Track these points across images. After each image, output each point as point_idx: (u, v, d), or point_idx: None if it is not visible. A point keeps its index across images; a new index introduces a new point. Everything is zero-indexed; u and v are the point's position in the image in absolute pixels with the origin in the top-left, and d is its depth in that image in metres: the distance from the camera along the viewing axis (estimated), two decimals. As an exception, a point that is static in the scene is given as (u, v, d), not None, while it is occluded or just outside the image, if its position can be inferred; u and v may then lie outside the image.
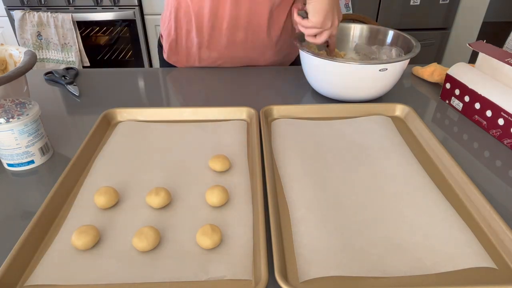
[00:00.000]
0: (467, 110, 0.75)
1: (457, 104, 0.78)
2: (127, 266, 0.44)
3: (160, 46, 1.05)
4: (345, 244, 0.46)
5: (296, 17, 0.77)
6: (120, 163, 0.60)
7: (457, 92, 0.78)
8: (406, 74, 0.95)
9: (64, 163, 0.62)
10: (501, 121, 0.67)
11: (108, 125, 0.71)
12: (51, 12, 1.96)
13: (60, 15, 1.95)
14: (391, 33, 0.87)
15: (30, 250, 0.45)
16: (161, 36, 1.02)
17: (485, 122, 0.71)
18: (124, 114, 0.72)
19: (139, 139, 0.66)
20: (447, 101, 0.81)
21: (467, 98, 0.75)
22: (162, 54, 1.04)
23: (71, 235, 0.47)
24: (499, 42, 0.98)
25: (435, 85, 0.90)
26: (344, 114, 0.75)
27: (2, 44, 0.74)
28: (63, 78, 0.89)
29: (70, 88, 0.86)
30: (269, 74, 0.95)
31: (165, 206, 0.52)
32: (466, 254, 0.45)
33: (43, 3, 1.96)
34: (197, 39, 0.93)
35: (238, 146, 0.64)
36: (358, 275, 0.43)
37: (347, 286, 0.42)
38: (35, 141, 0.60)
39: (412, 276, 0.43)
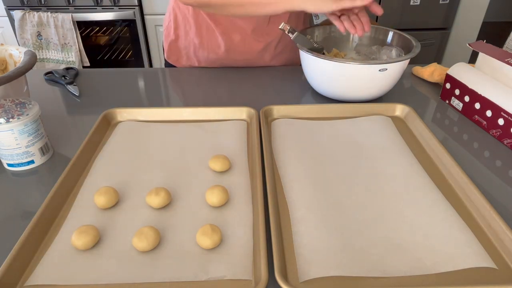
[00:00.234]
0: (467, 110, 0.75)
1: (457, 104, 0.78)
2: (127, 266, 0.44)
3: None
4: (345, 244, 0.46)
5: None
6: (120, 163, 0.60)
7: (457, 92, 0.78)
8: (406, 74, 0.94)
9: (64, 163, 0.62)
10: (501, 121, 0.67)
11: (108, 125, 0.71)
12: (51, 12, 1.96)
13: (60, 15, 1.95)
14: (391, 33, 0.87)
15: (30, 250, 0.45)
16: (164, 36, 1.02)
17: (485, 122, 0.71)
18: (124, 114, 0.72)
19: (139, 139, 0.66)
20: (447, 101, 0.81)
21: (467, 98, 0.75)
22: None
23: (71, 235, 0.47)
24: (499, 42, 0.98)
25: (435, 85, 0.90)
26: (344, 114, 0.75)
27: (2, 44, 0.74)
28: (63, 78, 0.89)
29: (70, 88, 0.86)
30: (269, 74, 0.95)
31: (165, 206, 0.52)
32: (466, 254, 0.45)
33: (43, 3, 1.96)
34: (195, 40, 0.93)
35: (238, 146, 0.64)
36: (358, 275, 0.43)
37: (347, 286, 0.42)
38: (35, 141, 0.60)
39: (412, 276, 0.43)
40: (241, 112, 0.73)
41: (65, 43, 2.03)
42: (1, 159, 0.61)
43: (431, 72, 0.89)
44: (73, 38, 2.01)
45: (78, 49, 2.04)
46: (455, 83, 0.78)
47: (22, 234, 0.45)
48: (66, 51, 2.06)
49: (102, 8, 1.99)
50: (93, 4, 1.97)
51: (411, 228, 0.49)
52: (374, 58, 0.86)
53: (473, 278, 0.43)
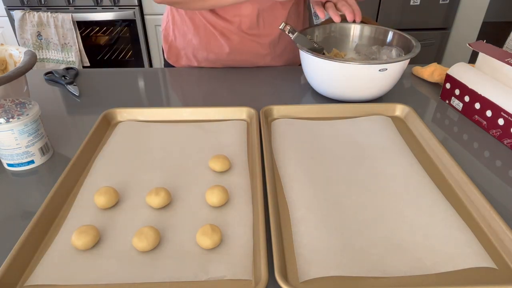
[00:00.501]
0: (467, 110, 0.75)
1: (457, 104, 0.78)
2: (127, 266, 0.44)
3: None
4: (345, 244, 0.46)
5: None
6: (120, 163, 0.60)
7: (457, 92, 0.78)
8: (406, 74, 0.94)
9: (64, 163, 0.62)
10: (501, 121, 0.67)
11: (108, 125, 0.71)
12: (51, 12, 1.96)
13: (60, 15, 1.95)
14: (391, 33, 0.87)
15: (30, 250, 0.45)
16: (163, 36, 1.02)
17: (485, 122, 0.71)
18: (124, 114, 0.72)
19: (139, 139, 0.66)
20: (447, 101, 0.81)
21: (467, 98, 0.75)
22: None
23: (71, 235, 0.47)
24: (499, 42, 0.98)
25: (435, 85, 0.90)
26: (344, 114, 0.75)
27: (2, 44, 0.74)
28: (63, 78, 0.89)
29: (70, 88, 0.86)
30: (269, 74, 0.95)
31: (165, 206, 0.52)
32: (466, 254, 0.45)
33: (43, 3, 1.96)
34: (194, 41, 0.93)
35: (238, 146, 0.64)
36: (358, 275, 0.43)
37: (347, 286, 0.42)
38: (35, 141, 0.60)
39: (412, 276, 0.43)
40: (241, 112, 0.73)
41: (65, 43, 2.03)
42: (1, 159, 0.61)
43: (431, 72, 0.89)
44: (73, 38, 2.01)
45: (78, 49, 2.04)
46: (455, 83, 0.78)
47: (22, 234, 0.45)
48: (66, 51, 2.06)
49: (102, 8, 1.99)
50: (93, 4, 1.97)
51: (411, 228, 0.49)
52: (374, 58, 0.86)
53: (473, 278, 0.43)
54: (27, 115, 0.57)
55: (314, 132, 0.68)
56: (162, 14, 1.01)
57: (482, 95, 0.71)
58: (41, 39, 2.03)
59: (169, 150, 0.64)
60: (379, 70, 0.72)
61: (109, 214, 0.51)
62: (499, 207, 0.54)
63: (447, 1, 2.03)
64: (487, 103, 0.70)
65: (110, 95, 0.85)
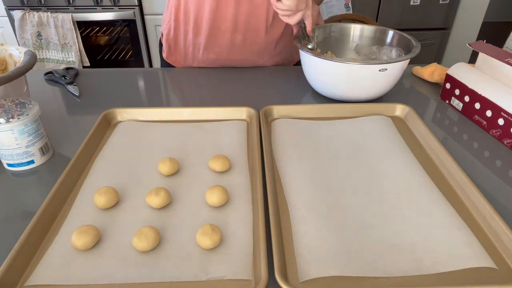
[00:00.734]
0: (467, 110, 0.75)
1: (457, 104, 0.78)
2: (127, 266, 0.44)
3: (161, 45, 1.05)
4: (345, 244, 0.46)
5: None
6: (120, 163, 0.60)
7: (457, 92, 0.78)
8: (406, 74, 0.94)
9: (64, 163, 0.62)
10: (501, 121, 0.67)
11: (108, 125, 0.71)
12: (51, 12, 1.96)
13: (60, 15, 1.95)
14: (391, 33, 0.87)
15: (30, 250, 0.45)
16: (162, 35, 1.02)
17: (485, 122, 0.71)
18: (124, 114, 0.72)
19: (139, 139, 0.66)
20: (447, 101, 0.81)
21: (467, 98, 0.75)
22: (162, 53, 1.05)
23: (71, 235, 0.47)
24: (499, 42, 0.98)
25: (435, 85, 0.90)
26: (344, 114, 0.75)
27: (2, 44, 0.74)
28: (63, 78, 0.89)
29: (70, 88, 0.86)
30: (269, 74, 0.95)
31: (165, 206, 0.52)
32: (466, 254, 0.45)
33: (43, 3, 1.96)
34: (195, 40, 0.93)
35: (238, 146, 0.64)
36: (358, 275, 0.43)
37: (347, 286, 0.42)
38: (35, 141, 0.60)
39: (412, 276, 0.43)
40: (241, 112, 0.73)
41: (65, 43, 2.03)
42: (1, 159, 0.61)
43: (431, 72, 0.89)
44: (73, 38, 2.01)
45: (78, 49, 2.04)
46: (455, 83, 0.78)
47: (22, 234, 0.45)
48: (66, 51, 2.06)
49: (102, 8, 1.99)
50: (93, 4, 1.97)
51: (411, 228, 0.49)
52: (374, 58, 0.86)
53: (473, 278, 0.43)
54: (27, 115, 0.57)
55: (314, 132, 0.68)
56: (162, 14, 1.01)
57: (482, 95, 0.71)
58: (41, 39, 2.03)
59: (169, 150, 0.64)
60: (379, 70, 0.72)
61: (109, 214, 0.51)
62: (499, 207, 0.54)
63: (447, 1, 2.03)
64: (487, 103, 0.70)
65: (110, 95, 0.85)
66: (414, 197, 0.53)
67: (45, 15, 1.95)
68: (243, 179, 0.57)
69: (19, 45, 2.02)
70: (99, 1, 1.96)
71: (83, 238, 0.45)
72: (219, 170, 0.58)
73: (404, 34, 0.84)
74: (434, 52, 2.21)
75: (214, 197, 0.51)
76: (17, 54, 0.72)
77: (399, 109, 0.75)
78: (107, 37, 2.18)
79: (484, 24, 2.20)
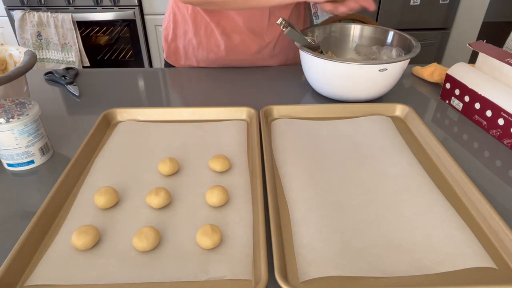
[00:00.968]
0: (467, 110, 0.75)
1: (457, 104, 0.78)
2: (127, 266, 0.44)
3: None
4: (345, 244, 0.46)
5: None
6: (120, 163, 0.60)
7: (457, 92, 0.78)
8: (406, 74, 0.94)
9: (64, 163, 0.62)
10: (501, 121, 0.67)
11: (108, 125, 0.71)
12: (51, 12, 1.96)
13: (60, 15, 1.95)
14: (391, 33, 0.87)
15: (30, 250, 0.45)
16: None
17: (485, 122, 0.71)
18: (124, 114, 0.72)
19: (139, 139, 0.66)
20: (447, 101, 0.81)
21: (467, 98, 0.75)
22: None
23: (71, 235, 0.47)
24: (499, 42, 0.98)
25: (435, 85, 0.90)
26: (344, 114, 0.75)
27: (2, 44, 0.74)
28: (63, 78, 0.89)
29: (70, 88, 0.86)
30: (269, 74, 0.95)
31: (165, 206, 0.52)
32: (466, 254, 0.45)
33: (43, 3, 1.96)
34: (194, 40, 0.93)
35: (238, 146, 0.64)
36: (358, 275, 0.43)
37: (347, 286, 0.42)
38: (35, 141, 0.60)
39: (412, 276, 0.43)
40: (241, 112, 0.73)
41: (65, 43, 2.03)
42: (1, 159, 0.61)
43: (431, 72, 0.89)
44: (73, 38, 2.01)
45: (78, 49, 2.04)
46: (455, 83, 0.78)
47: (22, 234, 0.45)
48: (66, 51, 2.06)
49: (102, 8, 1.99)
50: (93, 4, 1.97)
51: (411, 228, 0.49)
52: (374, 58, 0.86)
53: (473, 278, 0.43)
54: (27, 115, 0.57)
55: (314, 132, 0.68)
56: (162, 14, 1.01)
57: (482, 95, 0.71)
58: (41, 39, 2.03)
59: (169, 150, 0.64)
60: (379, 70, 0.72)
61: (109, 214, 0.51)
62: (499, 207, 0.54)
63: (447, 1, 2.03)
64: (487, 103, 0.70)
65: (110, 95, 0.85)
66: (414, 197, 0.53)
67: (45, 15, 1.95)
68: (243, 179, 0.57)
69: (19, 45, 2.02)
70: (99, 1, 1.96)
71: (83, 238, 0.45)
72: (219, 170, 0.58)
73: (404, 34, 0.84)
74: (434, 52, 2.21)
75: (214, 197, 0.51)
76: (17, 54, 0.72)
77: (399, 109, 0.75)
78: (107, 37, 2.18)
79: (484, 24, 2.20)
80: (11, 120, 0.56)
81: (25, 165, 0.61)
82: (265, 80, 0.92)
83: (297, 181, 0.56)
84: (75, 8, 1.99)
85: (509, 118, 0.65)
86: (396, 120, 0.74)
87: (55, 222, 0.50)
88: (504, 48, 0.93)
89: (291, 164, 0.60)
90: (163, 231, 0.48)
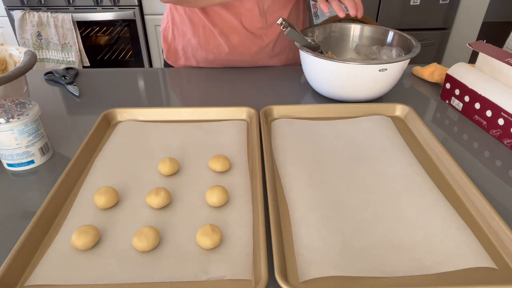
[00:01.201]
0: (467, 110, 0.75)
1: (457, 104, 0.78)
2: (127, 266, 0.44)
3: None
4: (345, 244, 0.46)
5: None
6: (120, 163, 0.60)
7: (457, 92, 0.78)
8: (406, 74, 0.94)
9: (64, 163, 0.62)
10: (501, 121, 0.67)
11: (108, 125, 0.71)
12: (51, 12, 1.96)
13: (60, 15, 1.95)
14: (391, 33, 0.87)
15: (30, 250, 0.45)
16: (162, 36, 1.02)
17: (485, 122, 0.71)
18: (124, 114, 0.72)
19: (139, 139, 0.66)
20: (447, 101, 0.81)
21: (467, 98, 0.75)
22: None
23: (71, 235, 0.47)
24: (499, 42, 0.98)
25: (435, 85, 0.90)
26: (344, 114, 0.75)
27: (2, 44, 0.74)
28: (63, 78, 0.89)
29: (70, 88, 0.86)
30: (269, 74, 0.95)
31: (165, 206, 0.52)
32: (466, 254, 0.45)
33: (43, 3, 1.96)
34: (193, 41, 0.93)
35: (238, 146, 0.64)
36: (358, 275, 0.43)
37: (347, 286, 0.42)
38: (35, 141, 0.60)
39: (412, 276, 0.43)
40: (241, 112, 0.73)
41: (65, 43, 2.03)
42: (1, 159, 0.61)
43: (431, 72, 0.89)
44: (73, 38, 2.01)
45: (78, 49, 2.04)
46: (455, 83, 0.78)
47: (22, 234, 0.45)
48: (66, 51, 2.05)
49: (102, 8, 1.99)
50: (93, 4, 1.97)
51: (411, 228, 0.49)
52: (374, 58, 0.86)
53: (473, 278, 0.43)
54: (27, 115, 0.57)
55: (314, 132, 0.68)
56: (162, 14, 1.01)
57: (482, 95, 0.71)
58: (41, 39, 2.03)
59: (169, 150, 0.64)
60: (379, 70, 0.72)
61: (109, 214, 0.51)
62: (499, 207, 0.54)
63: (447, 1, 2.03)
64: (487, 103, 0.70)
65: (110, 95, 0.85)
66: (414, 197, 0.53)
67: (45, 15, 1.95)
68: (243, 179, 0.57)
69: (19, 45, 2.02)
70: (99, 1, 1.96)
71: (83, 238, 0.45)
72: (219, 170, 0.58)
73: (404, 34, 0.84)
74: (434, 52, 2.21)
75: (214, 197, 0.51)
76: (17, 54, 0.72)
77: (399, 109, 0.75)
78: (107, 37, 2.18)
79: (484, 24, 2.20)
80: (11, 120, 0.56)
81: (25, 165, 0.61)
82: (265, 80, 0.92)
83: (297, 181, 0.56)
84: (75, 8, 1.98)
85: (509, 118, 0.65)
86: (396, 120, 0.74)
87: (55, 222, 0.50)
88: (504, 48, 0.93)
89: (291, 164, 0.60)
90: (163, 231, 0.48)
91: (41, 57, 2.09)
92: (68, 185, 0.55)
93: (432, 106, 0.81)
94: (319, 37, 0.90)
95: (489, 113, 0.70)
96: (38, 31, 2.00)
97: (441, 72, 0.87)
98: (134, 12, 2.00)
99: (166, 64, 1.03)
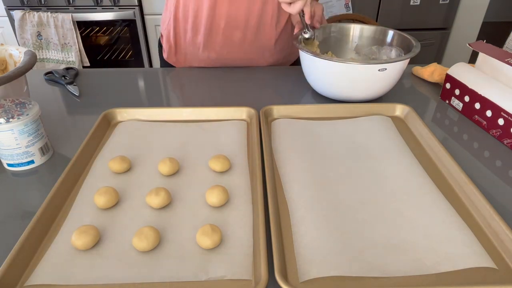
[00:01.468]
0: (467, 110, 0.75)
1: (457, 104, 0.78)
2: (127, 266, 0.44)
3: (160, 46, 1.05)
4: (345, 244, 0.46)
5: None
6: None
7: (457, 92, 0.78)
8: (406, 74, 0.94)
9: (64, 163, 0.62)
10: (501, 121, 0.67)
11: (108, 125, 0.71)
12: (51, 12, 1.96)
13: (60, 15, 1.95)
14: (391, 33, 0.87)
15: (30, 250, 0.45)
16: (162, 36, 1.02)
17: (485, 122, 0.71)
18: (124, 114, 0.72)
19: (139, 139, 0.66)
20: (447, 101, 0.81)
21: (467, 98, 0.75)
22: (162, 54, 1.05)
23: (71, 235, 0.47)
24: (499, 42, 0.98)
25: (435, 85, 0.90)
26: (344, 114, 0.75)
27: (2, 44, 0.74)
28: (63, 78, 0.89)
29: (70, 88, 0.86)
30: (269, 74, 0.95)
31: (165, 206, 0.52)
32: (466, 254, 0.45)
33: (43, 3, 1.96)
34: (195, 39, 0.93)
35: (238, 146, 0.64)
36: (358, 275, 0.43)
37: (347, 286, 0.42)
38: (35, 141, 0.60)
39: (412, 276, 0.43)
40: (241, 112, 0.73)
41: (65, 43, 2.03)
42: (1, 159, 0.61)
43: (431, 72, 0.89)
44: (73, 38, 2.01)
45: (78, 49, 2.04)
46: (455, 83, 0.78)
47: (22, 234, 0.45)
48: (66, 51, 2.06)
49: (102, 8, 1.99)
50: (93, 4, 1.97)
51: (411, 228, 0.49)
52: (374, 58, 0.86)
53: (473, 278, 0.43)
54: (27, 115, 0.57)
55: (314, 132, 0.68)
56: (162, 14, 1.01)
57: (482, 95, 0.71)
58: (41, 39, 2.03)
59: (169, 150, 0.64)
60: (379, 70, 0.72)
61: (109, 214, 0.51)
62: (499, 207, 0.54)
63: (447, 1, 2.03)
64: (487, 103, 0.70)
65: (110, 95, 0.85)
66: (414, 197, 0.53)
67: (45, 15, 1.95)
68: (243, 179, 0.57)
69: (19, 45, 2.02)
70: (99, 1, 1.96)
71: (83, 238, 0.45)
72: (219, 170, 0.58)
73: (404, 34, 0.84)
74: (434, 52, 2.21)
75: (214, 197, 0.51)
76: (17, 54, 0.72)
77: (399, 109, 0.75)
78: (107, 37, 2.18)
79: (484, 24, 2.20)
80: (11, 120, 0.56)
81: (25, 165, 0.61)
82: (265, 80, 0.92)
83: (297, 181, 0.56)
84: (75, 8, 1.99)
85: (509, 118, 0.65)
86: (396, 120, 0.74)
87: (55, 222, 0.50)
88: (504, 48, 0.93)
89: (291, 164, 0.60)
90: (163, 231, 0.48)
91: (41, 57, 2.09)
92: (68, 185, 0.55)
93: (432, 106, 0.81)
94: (319, 37, 0.90)
95: (489, 113, 0.70)
96: (38, 31, 2.00)
97: (441, 72, 0.87)
98: (134, 12, 2.00)
99: (165, 64, 1.03)
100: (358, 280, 0.42)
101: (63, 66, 1.92)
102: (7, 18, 2.03)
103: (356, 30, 0.91)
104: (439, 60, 2.24)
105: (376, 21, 2.08)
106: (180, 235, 0.48)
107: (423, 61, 1.01)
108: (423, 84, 0.90)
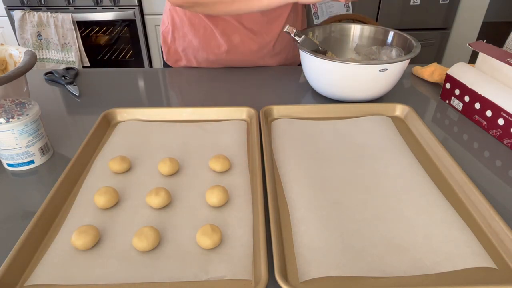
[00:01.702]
0: (467, 110, 0.75)
1: (457, 104, 0.78)
2: (127, 266, 0.44)
3: None
4: (345, 244, 0.46)
5: None
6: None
7: (457, 92, 0.78)
8: (406, 74, 0.94)
9: (64, 163, 0.62)
10: (501, 121, 0.67)
11: (108, 125, 0.71)
12: (51, 12, 1.96)
13: (60, 15, 1.95)
14: (391, 33, 0.87)
15: (30, 250, 0.45)
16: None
17: (485, 122, 0.71)
18: (124, 114, 0.72)
19: (139, 139, 0.66)
20: (447, 101, 0.81)
21: (467, 98, 0.75)
22: (163, 56, 1.05)
23: (71, 235, 0.47)
24: (499, 42, 0.98)
25: (435, 85, 0.90)
26: (344, 114, 0.75)
27: (2, 44, 0.74)
28: (63, 78, 0.89)
29: (70, 88, 0.86)
30: (269, 74, 0.95)
31: (165, 206, 0.52)
32: (466, 254, 0.45)
33: (43, 3, 1.96)
34: (194, 42, 0.93)
35: (238, 146, 0.64)
36: (358, 275, 0.43)
37: (347, 286, 0.42)
38: (35, 141, 0.60)
39: (412, 276, 0.43)
40: (241, 112, 0.73)
41: (65, 43, 2.03)
42: (1, 159, 0.61)
43: (431, 72, 0.89)
44: (73, 38, 2.01)
45: (78, 49, 2.04)
46: (455, 83, 0.78)
47: (22, 234, 0.45)
48: (66, 51, 2.05)
49: (102, 8, 1.99)
50: (93, 4, 1.97)
51: (411, 228, 0.49)
52: (374, 58, 0.86)
53: (473, 278, 0.43)
54: (27, 115, 0.57)
55: (314, 132, 0.68)
56: (162, 14, 1.01)
57: (482, 95, 0.71)
58: (41, 39, 2.03)
59: (169, 150, 0.64)
60: (379, 70, 0.72)
61: (109, 214, 0.51)
62: (499, 207, 0.54)
63: (447, 1, 2.03)
64: (487, 103, 0.70)
65: (110, 95, 0.85)
66: (414, 197, 0.53)
67: (45, 15, 1.95)
68: (243, 179, 0.57)
69: (19, 45, 2.02)
70: (99, 1, 1.96)
71: (83, 238, 0.45)
72: (219, 170, 0.58)
73: (404, 34, 0.84)
74: (434, 52, 2.21)
75: (214, 197, 0.51)
76: (17, 54, 0.72)
77: (399, 109, 0.75)
78: (107, 37, 2.18)
79: (484, 24, 2.20)
80: (11, 120, 0.56)
81: (25, 165, 0.61)
82: (265, 80, 0.92)
83: (297, 181, 0.56)
84: (75, 8, 1.99)
85: (509, 118, 0.65)
86: (396, 120, 0.74)
87: (55, 222, 0.50)
88: (504, 48, 0.93)
89: (291, 164, 0.60)
90: (163, 231, 0.48)
91: (41, 57, 2.09)
92: (68, 185, 0.55)
93: (432, 106, 0.81)
94: (319, 37, 0.90)
95: (489, 113, 0.70)
96: (38, 31, 2.00)
97: (441, 72, 0.87)
98: (134, 12, 2.00)
99: (166, 66, 1.03)
100: (358, 280, 0.42)
101: (63, 66, 1.92)
102: (7, 18, 2.03)
103: (356, 30, 0.91)
104: (439, 60, 2.24)
105: (376, 21, 2.08)
106: (180, 235, 0.48)
107: (423, 61, 1.01)
108: (423, 84, 0.90)
